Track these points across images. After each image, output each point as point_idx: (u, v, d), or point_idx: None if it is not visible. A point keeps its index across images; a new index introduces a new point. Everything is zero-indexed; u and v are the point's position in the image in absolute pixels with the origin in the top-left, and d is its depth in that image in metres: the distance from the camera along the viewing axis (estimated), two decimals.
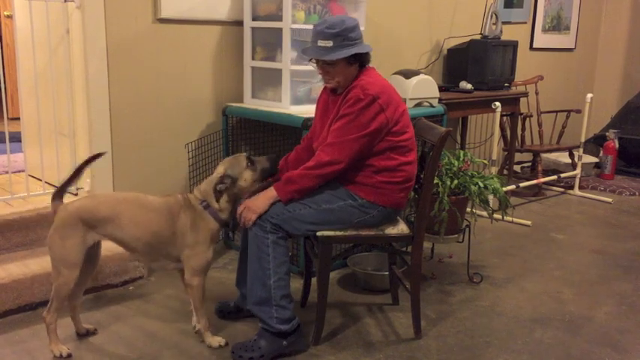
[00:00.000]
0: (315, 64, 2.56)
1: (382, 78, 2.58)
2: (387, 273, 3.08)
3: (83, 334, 2.64)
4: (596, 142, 6.23)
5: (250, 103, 3.59)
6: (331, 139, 2.45)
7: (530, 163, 5.77)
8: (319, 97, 2.76)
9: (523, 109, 5.24)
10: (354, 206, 2.53)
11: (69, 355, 2.47)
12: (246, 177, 2.51)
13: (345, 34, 2.44)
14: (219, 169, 2.52)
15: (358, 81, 2.50)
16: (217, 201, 2.47)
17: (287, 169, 2.70)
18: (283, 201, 2.46)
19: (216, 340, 2.57)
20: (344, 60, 2.47)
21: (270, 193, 2.47)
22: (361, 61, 2.53)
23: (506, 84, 5.03)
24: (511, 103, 4.94)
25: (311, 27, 3.33)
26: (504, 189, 3.49)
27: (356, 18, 2.57)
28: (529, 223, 4.39)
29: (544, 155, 5.66)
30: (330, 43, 2.44)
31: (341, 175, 2.52)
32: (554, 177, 5.17)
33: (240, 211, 2.49)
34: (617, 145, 5.85)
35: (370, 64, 2.59)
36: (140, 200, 2.49)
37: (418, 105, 3.77)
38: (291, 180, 2.46)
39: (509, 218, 3.90)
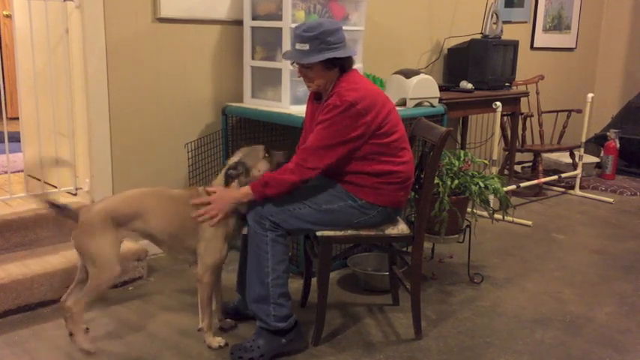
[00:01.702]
0: (296, 67, 2.55)
1: (365, 81, 2.54)
2: (387, 273, 3.08)
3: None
4: (597, 142, 6.22)
5: (250, 102, 3.58)
6: (309, 143, 2.43)
7: (530, 163, 5.75)
8: (307, 105, 2.75)
9: (524, 108, 5.23)
10: (353, 207, 2.53)
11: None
12: (261, 168, 2.56)
13: (323, 38, 2.41)
14: (235, 157, 2.59)
15: (337, 87, 2.47)
16: (227, 185, 2.50)
17: None
18: (258, 200, 2.46)
19: (217, 341, 2.57)
20: (321, 64, 2.44)
21: (244, 192, 2.47)
22: (341, 65, 2.49)
23: (506, 84, 5.02)
24: (512, 103, 4.93)
25: None
26: (505, 189, 3.48)
27: (339, 22, 2.54)
28: (530, 223, 4.38)
29: (545, 155, 5.65)
30: (306, 47, 2.42)
31: (341, 177, 2.52)
32: (555, 177, 5.16)
33: (207, 206, 2.47)
34: (618, 145, 5.85)
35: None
36: (163, 193, 2.54)
37: (418, 105, 3.76)
38: (269, 184, 2.43)
39: (509, 218, 3.89)
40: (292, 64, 2.57)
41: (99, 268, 2.38)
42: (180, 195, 2.55)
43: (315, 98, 2.63)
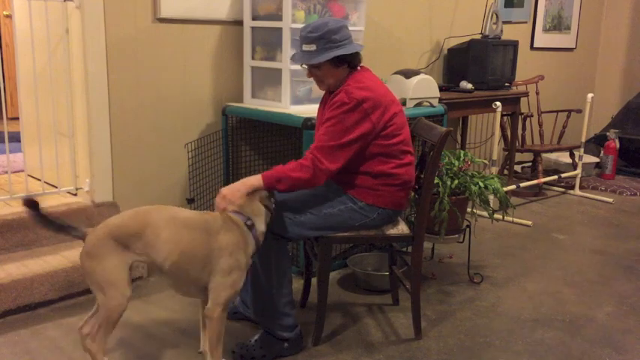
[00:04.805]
0: (305, 69, 2.55)
1: (374, 79, 2.51)
2: (387, 273, 3.08)
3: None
4: (596, 142, 6.22)
5: (250, 102, 3.58)
6: (320, 142, 2.39)
7: (530, 163, 5.76)
8: (321, 101, 2.74)
9: (523, 108, 5.24)
10: (354, 210, 2.52)
11: None
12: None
13: (328, 37, 2.40)
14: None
15: (345, 85, 2.46)
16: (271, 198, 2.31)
17: None
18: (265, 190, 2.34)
19: None
20: (329, 62, 2.43)
21: (254, 182, 2.32)
22: (349, 62, 2.48)
23: (506, 84, 5.02)
24: (511, 103, 4.94)
25: None
26: (505, 189, 3.48)
27: (343, 20, 2.54)
28: (530, 223, 4.38)
29: (545, 155, 5.66)
30: (313, 47, 2.42)
31: (340, 180, 2.51)
32: (555, 177, 5.17)
33: (217, 200, 2.32)
34: (617, 145, 5.85)
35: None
36: (172, 213, 2.21)
37: (418, 105, 3.76)
38: (282, 181, 2.33)
39: (509, 218, 3.90)
40: (301, 65, 2.54)
41: (106, 295, 2.11)
42: (191, 217, 2.22)
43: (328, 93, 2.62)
